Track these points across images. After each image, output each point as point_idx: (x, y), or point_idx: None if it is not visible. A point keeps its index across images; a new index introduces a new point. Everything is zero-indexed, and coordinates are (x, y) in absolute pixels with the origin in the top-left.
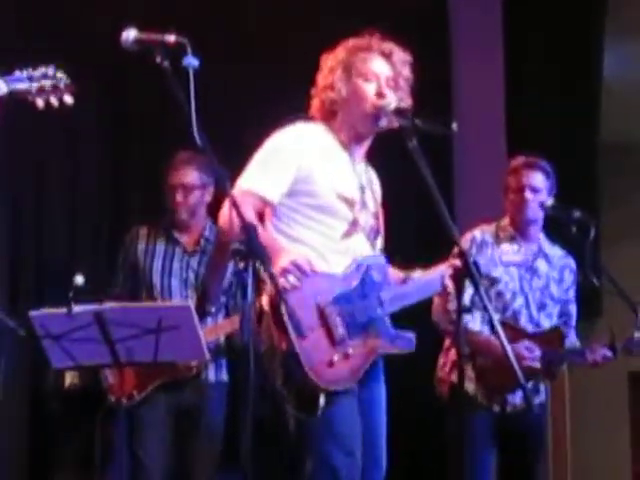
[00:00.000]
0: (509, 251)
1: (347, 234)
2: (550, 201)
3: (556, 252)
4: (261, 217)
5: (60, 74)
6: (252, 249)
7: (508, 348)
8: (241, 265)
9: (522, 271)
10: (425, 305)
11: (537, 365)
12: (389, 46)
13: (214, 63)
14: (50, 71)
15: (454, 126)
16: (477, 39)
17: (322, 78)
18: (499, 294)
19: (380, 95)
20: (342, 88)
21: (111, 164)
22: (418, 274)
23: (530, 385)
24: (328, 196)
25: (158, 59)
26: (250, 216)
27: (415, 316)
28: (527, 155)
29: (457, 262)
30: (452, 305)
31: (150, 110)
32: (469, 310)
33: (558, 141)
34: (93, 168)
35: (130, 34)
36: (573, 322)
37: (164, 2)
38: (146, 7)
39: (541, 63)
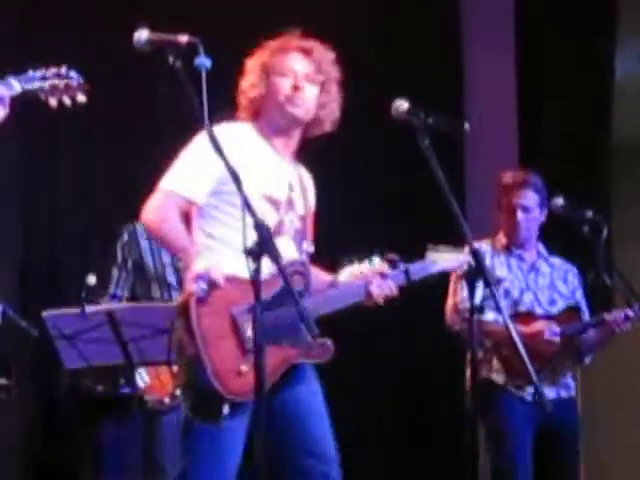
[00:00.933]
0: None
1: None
2: (560, 201)
3: (555, 260)
4: (187, 217)
5: (73, 73)
6: (265, 249)
7: (519, 343)
8: (253, 266)
9: (525, 271)
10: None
11: (557, 339)
12: (309, 44)
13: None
14: (63, 70)
15: (467, 126)
16: (490, 40)
17: (244, 79)
18: (506, 292)
19: (296, 89)
20: (261, 86)
21: (125, 164)
22: (344, 275)
23: (563, 380)
24: (252, 196)
25: (170, 59)
26: (174, 217)
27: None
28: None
29: (383, 268)
30: (462, 305)
31: (164, 110)
32: (482, 309)
33: (570, 141)
34: (106, 168)
35: (142, 35)
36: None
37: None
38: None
39: (553, 64)
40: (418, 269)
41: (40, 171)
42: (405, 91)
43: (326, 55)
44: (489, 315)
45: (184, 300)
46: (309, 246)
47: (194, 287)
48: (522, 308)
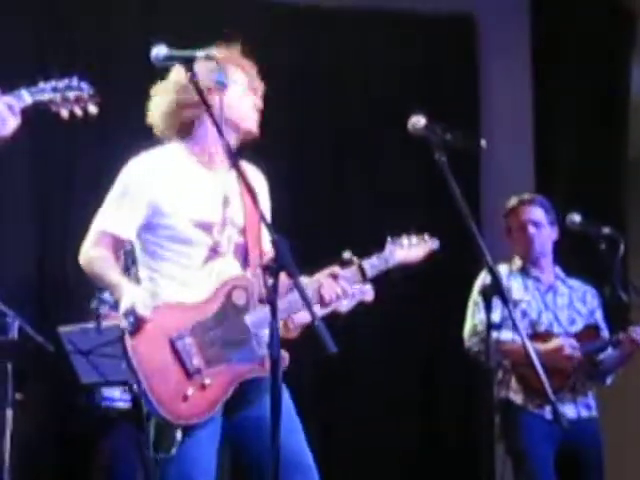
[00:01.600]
0: (517, 288)
1: (208, 259)
2: (577, 218)
3: (574, 282)
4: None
5: (84, 84)
6: (282, 264)
7: (537, 362)
8: (270, 282)
9: (543, 291)
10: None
11: (577, 354)
12: (241, 59)
13: None
14: (74, 82)
15: (483, 143)
16: (506, 59)
17: (177, 95)
18: (524, 313)
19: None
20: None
21: None
22: (304, 281)
23: (583, 399)
24: (182, 226)
25: (188, 76)
26: (104, 255)
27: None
28: (543, 182)
29: (336, 269)
30: (480, 327)
31: None
32: (499, 327)
33: (586, 158)
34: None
35: (160, 51)
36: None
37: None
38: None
39: (569, 81)
40: (375, 264)
41: (55, 187)
42: (422, 107)
43: (252, 67)
44: (507, 334)
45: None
46: (267, 246)
47: (123, 323)
48: (541, 328)
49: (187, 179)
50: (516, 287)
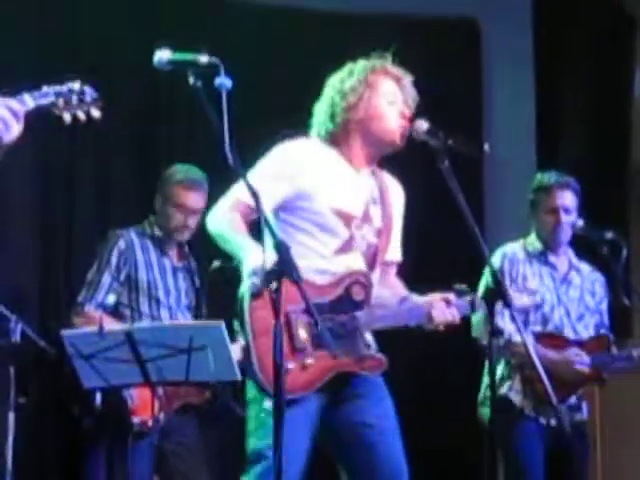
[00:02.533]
0: (532, 277)
1: (341, 251)
2: (581, 222)
3: (585, 267)
4: (250, 226)
5: (87, 88)
6: (285, 269)
7: (540, 369)
8: (274, 286)
9: (557, 283)
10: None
11: (586, 370)
12: (398, 70)
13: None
14: (77, 86)
15: (486, 148)
16: (509, 63)
17: (340, 97)
18: (537, 306)
19: (404, 117)
20: (367, 108)
21: (142, 176)
22: (414, 298)
23: (574, 401)
24: (323, 212)
25: (191, 80)
26: (235, 217)
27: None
28: (557, 172)
29: (450, 296)
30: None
31: (181, 117)
32: (501, 333)
33: (589, 163)
34: (124, 180)
35: (163, 55)
36: (610, 335)
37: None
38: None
39: (572, 86)
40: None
41: (56, 190)
42: (424, 112)
43: (409, 80)
44: (519, 336)
45: (239, 295)
46: (395, 255)
47: (247, 283)
48: (551, 326)
49: (335, 170)
50: (531, 275)
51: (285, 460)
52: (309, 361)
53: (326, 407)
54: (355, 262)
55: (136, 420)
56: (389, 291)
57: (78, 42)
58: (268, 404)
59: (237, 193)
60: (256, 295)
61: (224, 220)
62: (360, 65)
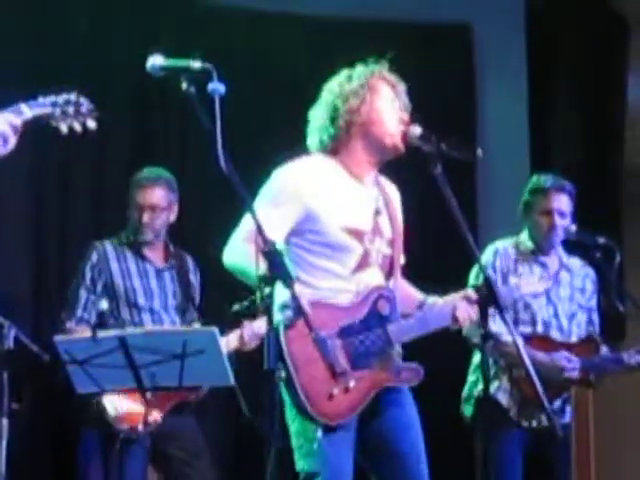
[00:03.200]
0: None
1: (358, 268)
2: (574, 227)
3: (575, 262)
4: None
5: (83, 99)
6: (277, 274)
7: (531, 369)
8: (267, 291)
9: (548, 283)
10: None
11: (575, 374)
12: (394, 77)
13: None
14: (73, 97)
15: (479, 152)
16: (502, 66)
17: (342, 101)
18: (526, 306)
19: (403, 122)
20: (369, 112)
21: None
22: (432, 300)
23: (559, 403)
24: (334, 232)
25: (184, 85)
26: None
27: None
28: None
29: (471, 294)
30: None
31: (175, 120)
32: (493, 337)
33: (582, 167)
34: (118, 184)
35: (156, 61)
36: (597, 330)
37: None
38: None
39: (565, 88)
40: (502, 294)
41: (51, 193)
42: (418, 116)
43: (402, 88)
44: (509, 337)
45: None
46: (401, 258)
47: (279, 316)
48: (540, 326)
49: (339, 187)
50: (522, 272)
51: None
52: (351, 384)
53: (361, 420)
54: (374, 277)
55: (124, 427)
56: (404, 297)
57: (73, 44)
58: (319, 435)
59: (249, 224)
60: (289, 327)
61: (241, 254)
62: (359, 70)
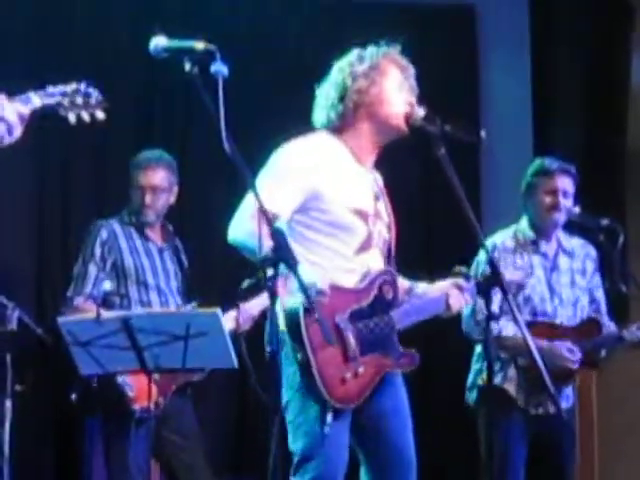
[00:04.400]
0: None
1: (361, 249)
2: (577, 209)
3: (575, 243)
4: None
5: (92, 90)
6: (281, 256)
7: (537, 356)
8: (270, 272)
9: (548, 272)
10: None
11: (576, 367)
12: (404, 60)
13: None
14: (82, 87)
15: (483, 134)
16: (506, 47)
17: (352, 80)
18: (527, 299)
19: (410, 105)
20: (377, 93)
21: None
22: (422, 287)
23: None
24: (341, 211)
25: (187, 67)
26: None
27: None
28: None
29: (461, 282)
30: (480, 316)
31: (178, 107)
32: (497, 318)
33: (586, 149)
34: (121, 169)
35: (159, 42)
36: (603, 307)
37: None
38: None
39: (568, 70)
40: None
41: (53, 179)
42: (421, 98)
43: (412, 71)
44: (508, 329)
45: (291, 310)
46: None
47: (298, 298)
48: (540, 318)
49: (344, 167)
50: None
51: (335, 467)
52: (361, 369)
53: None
54: (376, 260)
55: (137, 407)
56: None
57: (74, 33)
58: (329, 419)
59: (254, 202)
60: (307, 311)
61: (247, 231)
62: (371, 50)
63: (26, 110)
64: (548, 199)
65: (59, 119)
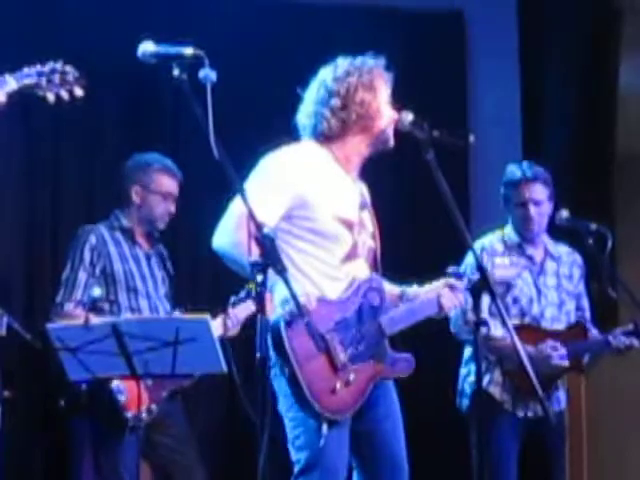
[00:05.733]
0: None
1: (346, 258)
2: (566, 213)
3: (562, 249)
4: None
5: (69, 67)
6: (270, 261)
7: (525, 360)
8: (259, 278)
9: (535, 275)
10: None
11: (565, 363)
12: (386, 72)
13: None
14: (59, 66)
15: (471, 138)
16: (494, 52)
17: (353, 93)
18: (515, 300)
19: (394, 117)
20: (375, 108)
21: None
22: (414, 290)
23: (552, 391)
24: (327, 220)
25: (175, 72)
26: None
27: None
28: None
29: (453, 281)
30: (470, 315)
31: (166, 108)
32: (486, 324)
33: (575, 153)
34: (109, 172)
35: (147, 47)
36: (588, 315)
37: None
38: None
39: (557, 73)
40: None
41: (43, 175)
42: (409, 104)
43: (389, 79)
44: (497, 331)
45: (273, 325)
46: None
47: (280, 311)
48: (528, 318)
49: (331, 177)
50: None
51: (337, 473)
52: (352, 377)
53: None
54: (361, 269)
55: (130, 414)
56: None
57: (61, 32)
58: (324, 430)
59: (239, 209)
60: (290, 323)
61: (231, 242)
62: (364, 62)
63: (2, 93)
64: (519, 211)
65: (38, 99)
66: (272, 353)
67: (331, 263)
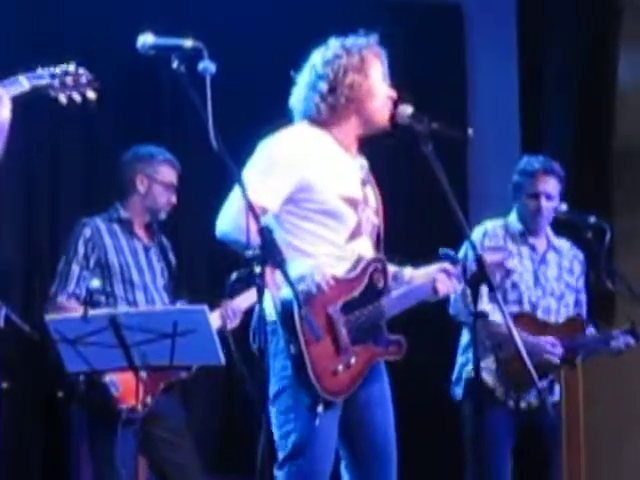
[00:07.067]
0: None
1: (352, 237)
2: (564, 206)
3: (563, 244)
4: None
5: (82, 70)
6: (269, 253)
7: (523, 350)
8: (258, 270)
9: (536, 264)
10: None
11: (556, 361)
12: (381, 50)
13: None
14: (72, 67)
15: (470, 131)
16: (493, 45)
17: (342, 75)
18: (514, 285)
19: (390, 97)
20: (362, 87)
21: None
22: (408, 272)
23: (546, 383)
24: (332, 200)
25: (175, 64)
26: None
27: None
28: (544, 157)
29: (448, 266)
30: (470, 298)
31: (166, 99)
32: (486, 316)
33: (574, 147)
34: (109, 164)
35: (147, 39)
36: (584, 311)
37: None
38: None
39: (556, 67)
40: (472, 264)
41: (42, 168)
42: (408, 96)
43: (384, 56)
44: (495, 315)
45: (285, 302)
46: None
47: (293, 290)
48: (527, 307)
49: (329, 155)
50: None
51: (324, 460)
52: (353, 360)
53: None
54: (365, 247)
55: (124, 407)
56: None
57: (61, 25)
58: (320, 410)
59: (255, 198)
60: (305, 300)
61: (235, 227)
62: (355, 42)
63: (3, 92)
64: (531, 202)
65: (44, 106)
66: (279, 330)
67: (337, 243)
